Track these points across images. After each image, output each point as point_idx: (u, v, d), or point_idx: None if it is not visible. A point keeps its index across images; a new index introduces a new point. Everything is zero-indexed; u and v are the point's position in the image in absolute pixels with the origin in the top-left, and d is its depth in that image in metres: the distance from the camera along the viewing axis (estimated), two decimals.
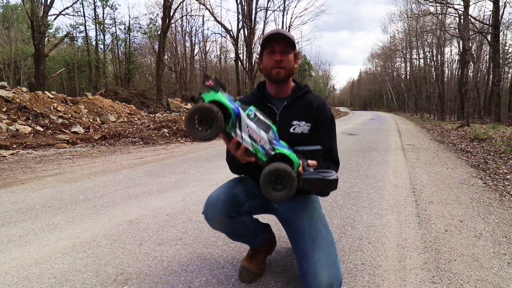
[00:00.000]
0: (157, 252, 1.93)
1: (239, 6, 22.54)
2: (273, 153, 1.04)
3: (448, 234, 2.19)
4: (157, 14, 25.02)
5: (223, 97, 0.98)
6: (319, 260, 1.26)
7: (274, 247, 1.82)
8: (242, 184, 1.54)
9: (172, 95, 26.00)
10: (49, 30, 23.51)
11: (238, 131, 1.02)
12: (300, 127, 1.46)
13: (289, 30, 25.15)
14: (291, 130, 1.46)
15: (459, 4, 15.79)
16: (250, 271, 1.60)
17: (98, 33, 25.24)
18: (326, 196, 1.54)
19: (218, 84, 1.06)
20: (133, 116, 12.06)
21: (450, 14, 18.87)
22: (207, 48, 33.94)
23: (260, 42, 1.49)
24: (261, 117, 1.05)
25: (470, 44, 15.72)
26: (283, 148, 1.05)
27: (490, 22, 14.85)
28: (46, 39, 15.37)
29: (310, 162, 1.24)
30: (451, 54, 34.85)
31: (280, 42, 1.39)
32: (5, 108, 8.05)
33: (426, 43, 27.92)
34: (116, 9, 39.97)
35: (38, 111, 8.46)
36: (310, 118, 1.48)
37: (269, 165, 1.02)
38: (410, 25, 28.85)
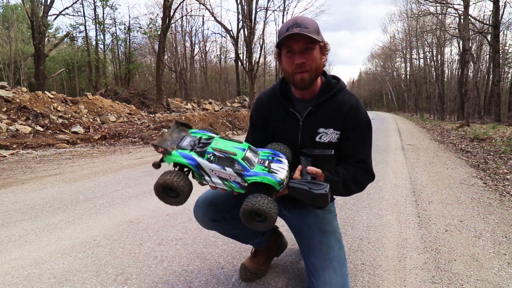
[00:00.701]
0: (157, 252, 1.93)
1: (239, 6, 22.57)
2: (246, 184, 1.01)
3: (448, 234, 2.19)
4: (157, 14, 25.03)
5: (178, 158, 1.02)
6: (330, 281, 1.21)
7: (283, 250, 1.78)
8: None
9: (172, 95, 25.99)
10: (49, 30, 23.55)
11: (207, 178, 1.04)
12: (328, 135, 1.26)
13: None
14: (317, 139, 1.27)
15: (459, 4, 15.80)
16: (248, 270, 1.59)
17: (98, 33, 25.26)
18: (322, 209, 1.33)
19: (177, 129, 1.12)
20: (133, 116, 12.06)
21: (450, 14, 18.90)
22: (207, 48, 34.01)
23: (276, 36, 1.29)
24: (222, 154, 1.01)
25: (470, 44, 15.73)
26: (254, 176, 1.00)
27: (490, 22, 14.85)
28: (46, 39, 15.39)
29: (310, 169, 1.10)
30: (451, 54, 34.84)
31: (299, 39, 1.12)
32: (5, 108, 8.06)
33: (426, 43, 27.93)
34: (116, 9, 39.98)
35: (38, 111, 8.46)
36: (339, 124, 1.26)
37: (242, 207, 1.01)
38: (410, 25, 28.87)
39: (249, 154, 1.05)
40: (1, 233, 2.25)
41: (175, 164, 1.06)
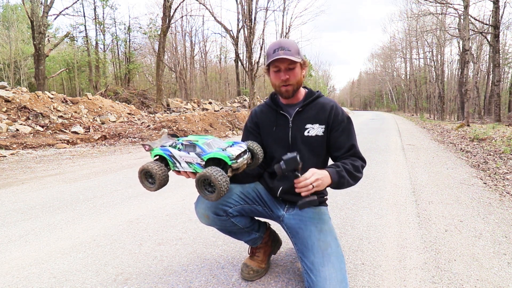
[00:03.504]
0: (157, 252, 1.93)
1: (239, 6, 22.56)
2: (203, 163, 1.20)
3: (448, 234, 2.19)
4: (157, 14, 25.06)
5: (157, 151, 1.27)
6: (329, 276, 1.25)
7: (279, 247, 1.81)
8: (241, 186, 1.54)
9: (172, 95, 26.02)
10: (49, 30, 23.51)
11: (178, 165, 1.26)
12: (314, 129, 1.48)
13: (289, 31, 25.13)
14: (306, 133, 1.49)
15: (459, 4, 15.78)
16: (250, 268, 1.61)
17: (98, 33, 25.29)
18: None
19: (167, 137, 1.36)
20: (133, 116, 12.06)
21: (450, 14, 18.87)
22: (207, 48, 34.05)
23: (265, 58, 1.50)
24: (187, 142, 1.22)
25: (470, 44, 15.72)
26: (208, 154, 1.18)
27: (490, 22, 14.85)
28: (46, 39, 15.38)
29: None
30: (451, 54, 34.91)
31: (284, 61, 1.39)
32: (5, 108, 8.05)
33: (426, 43, 27.91)
34: (116, 9, 40.06)
35: (38, 111, 8.46)
36: (323, 120, 1.49)
37: (197, 175, 1.18)
38: (410, 25, 28.85)
39: (210, 141, 1.24)
40: (1, 233, 2.25)
41: (158, 159, 1.28)
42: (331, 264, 1.29)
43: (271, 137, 1.54)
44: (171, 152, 1.24)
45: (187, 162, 1.22)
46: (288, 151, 1.48)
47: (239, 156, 1.23)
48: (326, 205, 1.64)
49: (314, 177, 1.25)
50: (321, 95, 1.57)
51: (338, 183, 1.34)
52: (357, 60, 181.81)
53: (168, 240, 2.10)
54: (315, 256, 1.33)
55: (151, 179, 1.25)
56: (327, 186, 1.34)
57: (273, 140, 1.54)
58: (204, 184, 1.17)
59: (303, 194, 1.25)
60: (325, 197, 1.62)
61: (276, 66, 1.42)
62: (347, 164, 1.40)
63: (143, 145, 1.31)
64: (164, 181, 1.24)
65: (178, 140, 1.30)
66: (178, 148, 1.23)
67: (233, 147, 1.27)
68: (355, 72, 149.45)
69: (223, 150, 1.20)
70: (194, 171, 1.23)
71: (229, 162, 1.18)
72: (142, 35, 25.99)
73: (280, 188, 1.53)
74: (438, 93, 25.49)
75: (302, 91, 1.56)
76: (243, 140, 1.63)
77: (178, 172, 1.28)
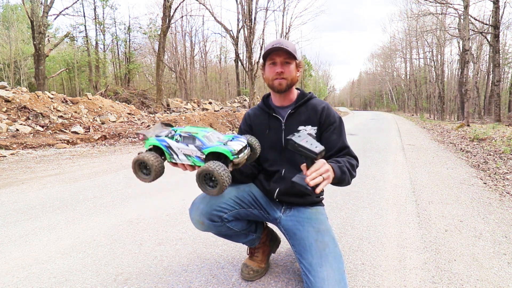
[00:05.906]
0: (157, 252, 1.93)
1: (239, 6, 22.55)
2: (203, 157, 1.16)
3: (448, 234, 2.19)
4: (157, 14, 25.07)
5: (153, 141, 1.22)
6: (327, 277, 1.24)
7: (278, 245, 1.81)
8: (236, 190, 1.52)
9: (172, 95, 26.03)
10: (49, 30, 23.50)
11: (175, 157, 1.21)
12: (306, 131, 1.48)
13: (289, 31, 25.15)
14: None
15: (459, 4, 15.77)
16: (250, 268, 1.61)
17: (98, 33, 25.31)
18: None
19: (161, 126, 1.31)
20: (133, 116, 12.06)
21: (450, 14, 18.87)
22: (207, 48, 34.04)
23: (262, 53, 1.50)
24: (186, 134, 1.18)
25: (470, 44, 15.71)
26: (209, 148, 1.14)
27: (490, 22, 14.85)
28: (46, 39, 15.38)
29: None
30: (451, 54, 34.89)
31: (280, 54, 1.40)
32: (5, 108, 8.05)
33: (426, 43, 27.91)
34: (116, 9, 40.08)
35: (38, 111, 8.46)
36: (315, 121, 1.49)
37: (197, 170, 1.14)
38: (410, 25, 28.86)
39: (210, 134, 1.20)
40: (1, 233, 2.25)
41: (152, 149, 1.24)
42: (329, 265, 1.28)
43: (264, 140, 1.52)
44: (168, 143, 1.20)
45: (185, 155, 1.19)
46: (281, 154, 1.49)
47: (240, 151, 1.19)
48: (323, 204, 1.64)
49: (325, 168, 1.14)
50: (313, 96, 1.57)
51: (340, 179, 1.26)
52: (357, 60, 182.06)
53: (168, 240, 2.10)
54: (313, 257, 1.32)
55: (146, 170, 1.21)
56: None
57: (266, 143, 1.51)
58: (206, 179, 1.14)
59: (311, 184, 1.10)
60: (321, 196, 1.61)
61: (272, 59, 1.43)
62: (345, 162, 1.36)
63: (137, 134, 1.27)
64: (160, 173, 1.20)
65: (174, 130, 1.26)
66: (176, 139, 1.19)
67: (233, 141, 1.23)
68: (355, 72, 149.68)
69: (224, 144, 1.16)
70: (192, 164, 1.20)
71: (231, 157, 1.15)
72: (142, 35, 26.04)
73: (277, 190, 1.52)
74: (438, 93, 25.49)
75: (295, 93, 1.56)
76: None
77: (175, 164, 1.24)
